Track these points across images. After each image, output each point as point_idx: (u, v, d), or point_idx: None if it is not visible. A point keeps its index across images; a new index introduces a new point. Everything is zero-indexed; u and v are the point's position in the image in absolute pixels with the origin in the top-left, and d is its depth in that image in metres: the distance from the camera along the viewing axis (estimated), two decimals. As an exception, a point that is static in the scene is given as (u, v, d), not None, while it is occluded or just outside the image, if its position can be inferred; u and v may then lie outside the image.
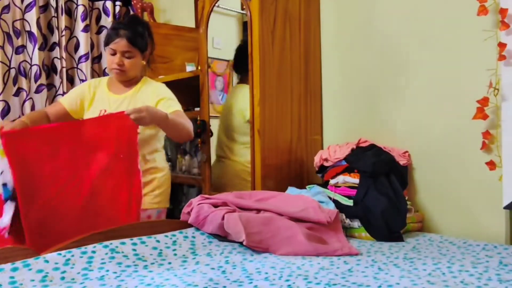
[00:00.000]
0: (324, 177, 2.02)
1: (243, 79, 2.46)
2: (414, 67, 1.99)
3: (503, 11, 1.63)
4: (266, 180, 2.13)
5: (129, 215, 1.77)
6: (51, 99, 2.77)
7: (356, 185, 1.85)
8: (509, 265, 1.36)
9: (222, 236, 1.60)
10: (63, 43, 2.76)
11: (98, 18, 3.04)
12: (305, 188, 1.97)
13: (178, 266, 1.36)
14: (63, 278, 1.22)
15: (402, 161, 1.95)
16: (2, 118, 2.49)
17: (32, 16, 2.61)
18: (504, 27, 1.63)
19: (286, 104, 2.22)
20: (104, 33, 2.95)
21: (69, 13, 2.82)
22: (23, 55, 2.61)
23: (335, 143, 2.13)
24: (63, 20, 2.75)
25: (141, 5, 3.09)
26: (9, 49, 2.56)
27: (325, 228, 1.64)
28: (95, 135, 1.82)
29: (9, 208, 1.73)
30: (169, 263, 1.39)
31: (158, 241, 1.50)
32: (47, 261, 1.26)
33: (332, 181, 1.95)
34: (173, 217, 2.44)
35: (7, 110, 2.52)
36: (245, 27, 2.46)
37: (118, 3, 3.03)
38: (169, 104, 1.98)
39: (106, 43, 2.03)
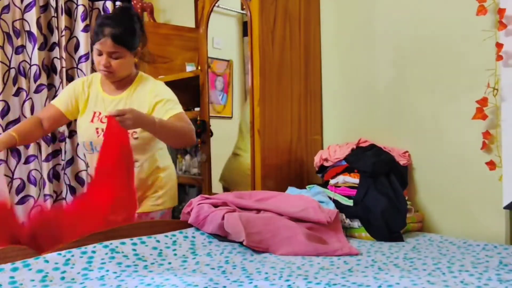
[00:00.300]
0: (324, 177, 2.02)
1: None
2: (413, 67, 2.00)
3: (501, 11, 1.63)
4: (266, 180, 2.13)
5: (125, 220, 1.75)
6: (51, 99, 2.75)
7: (356, 185, 1.85)
8: (509, 265, 1.36)
9: (222, 236, 1.60)
10: (63, 43, 2.75)
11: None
12: (305, 188, 1.97)
13: (178, 266, 1.36)
14: (63, 278, 1.22)
15: (402, 161, 1.95)
16: (2, 118, 2.49)
17: (32, 16, 2.60)
18: (502, 27, 1.63)
19: (286, 104, 2.22)
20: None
21: (69, 13, 2.81)
22: (22, 55, 2.60)
23: (335, 143, 2.13)
24: (63, 20, 2.74)
25: (141, 5, 3.09)
26: (9, 49, 2.55)
27: (325, 228, 1.65)
28: None
29: None
30: (169, 263, 1.39)
31: (158, 241, 1.50)
32: (47, 261, 1.26)
33: (332, 181, 1.95)
34: (173, 217, 2.44)
35: (6, 110, 2.51)
36: (245, 27, 2.46)
37: (118, 3, 3.03)
38: (167, 107, 1.85)
39: (92, 42, 1.86)
